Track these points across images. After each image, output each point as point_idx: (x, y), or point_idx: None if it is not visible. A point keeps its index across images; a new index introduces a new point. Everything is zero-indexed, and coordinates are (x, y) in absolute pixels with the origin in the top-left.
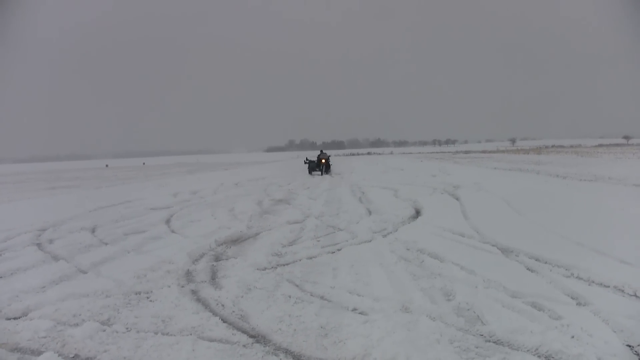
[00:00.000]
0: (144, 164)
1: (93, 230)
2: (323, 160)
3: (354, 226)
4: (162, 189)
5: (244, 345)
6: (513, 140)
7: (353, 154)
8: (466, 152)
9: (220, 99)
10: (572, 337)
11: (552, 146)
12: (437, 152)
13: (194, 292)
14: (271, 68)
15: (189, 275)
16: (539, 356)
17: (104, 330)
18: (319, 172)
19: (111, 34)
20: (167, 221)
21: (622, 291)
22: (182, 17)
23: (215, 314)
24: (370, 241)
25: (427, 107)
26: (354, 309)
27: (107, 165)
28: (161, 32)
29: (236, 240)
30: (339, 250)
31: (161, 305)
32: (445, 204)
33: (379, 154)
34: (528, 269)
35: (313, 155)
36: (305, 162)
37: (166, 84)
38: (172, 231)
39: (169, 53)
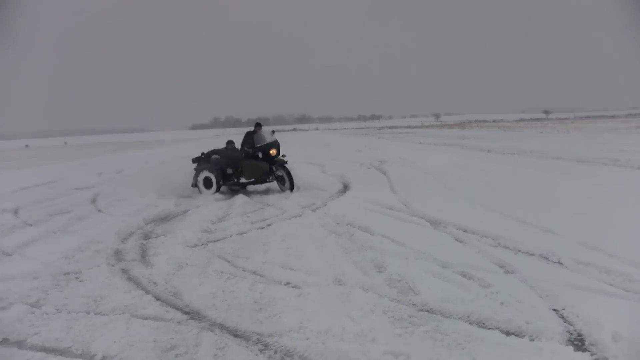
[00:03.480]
0: (65, 143)
1: (16, 212)
2: (273, 152)
3: (282, 202)
4: (86, 168)
5: (178, 322)
6: (437, 116)
7: (278, 131)
8: (391, 127)
9: (142, 75)
10: (501, 303)
11: (476, 121)
12: (362, 128)
13: (124, 271)
14: (193, 43)
15: (118, 255)
16: (470, 323)
17: (33, 313)
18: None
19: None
20: (93, 201)
21: (547, 259)
22: None
23: (147, 291)
24: (300, 216)
25: (352, 82)
26: (287, 283)
27: (27, 146)
28: (81, 5)
29: (165, 218)
30: (269, 225)
31: (91, 285)
32: (373, 178)
33: (305, 130)
34: (457, 239)
35: (237, 136)
36: (195, 162)
37: (85, 61)
38: (99, 210)
39: (88, 27)
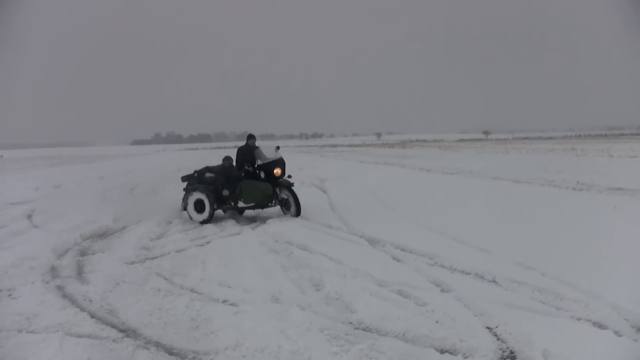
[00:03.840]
0: (1, 156)
1: None
2: (277, 172)
3: (222, 219)
4: (22, 183)
5: (113, 340)
6: (379, 135)
7: (220, 147)
8: (333, 145)
9: (83, 89)
10: (437, 321)
11: (417, 140)
12: (304, 146)
13: (59, 287)
14: (135, 58)
15: (54, 271)
16: (405, 341)
17: None
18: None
19: None
20: (29, 216)
21: (482, 277)
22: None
23: (82, 309)
24: (239, 234)
25: (295, 100)
26: (225, 301)
27: None
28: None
29: (103, 235)
30: (207, 243)
31: (25, 302)
32: (313, 196)
33: None
34: (394, 258)
35: (176, 152)
36: (185, 180)
37: (25, 73)
38: (35, 226)
39: (26, 39)
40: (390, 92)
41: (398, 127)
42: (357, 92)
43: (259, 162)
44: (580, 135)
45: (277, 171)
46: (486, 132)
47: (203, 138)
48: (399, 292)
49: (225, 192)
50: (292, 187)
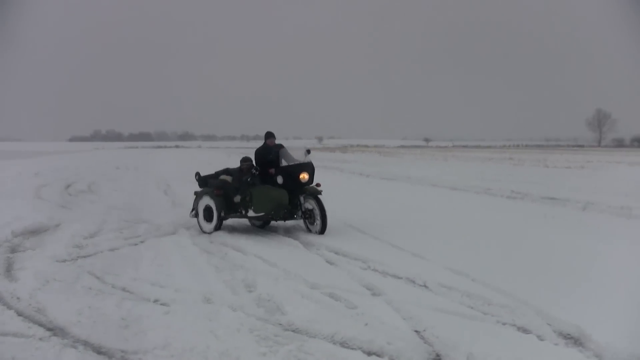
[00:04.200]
0: None
1: None
2: (304, 177)
3: (158, 218)
4: None
5: (40, 339)
6: (320, 139)
7: (160, 147)
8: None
9: (19, 82)
10: (366, 324)
11: (358, 145)
12: (245, 148)
13: None
14: (73, 53)
15: None
16: (334, 343)
17: None
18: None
19: None
20: None
21: (413, 282)
22: None
23: (9, 307)
24: (174, 233)
25: (236, 101)
26: (156, 300)
27: None
28: None
29: (35, 232)
30: (142, 242)
31: None
32: None
33: (187, 147)
34: (328, 261)
35: (117, 150)
36: (201, 182)
37: None
38: None
39: None
40: (333, 96)
41: (340, 131)
42: (300, 95)
43: (283, 163)
44: (518, 145)
45: (304, 176)
46: (427, 139)
47: (144, 137)
48: (330, 295)
49: (237, 199)
50: (320, 197)
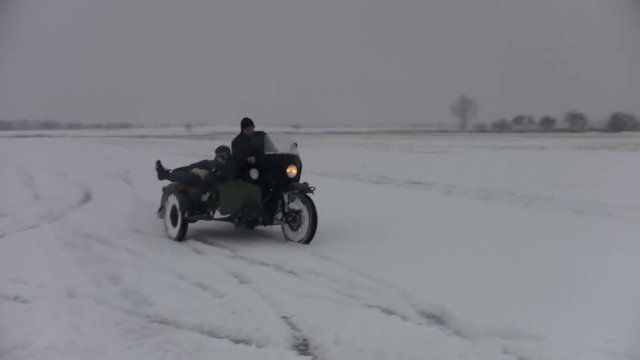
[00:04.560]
0: None
1: None
2: (292, 171)
3: (18, 211)
4: None
5: None
6: (188, 126)
7: (20, 136)
8: (142, 136)
9: None
10: (233, 312)
11: (226, 133)
12: (112, 136)
13: None
14: None
15: None
16: (202, 332)
17: None
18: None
19: None
20: None
21: (281, 269)
22: None
23: None
24: (36, 227)
25: (102, 88)
26: (16, 298)
27: None
28: None
29: None
30: (1, 237)
31: None
32: (117, 188)
33: (50, 136)
34: (195, 251)
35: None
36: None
37: None
38: None
39: None
40: (202, 82)
41: (208, 118)
42: (168, 81)
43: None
44: (386, 131)
45: (292, 170)
46: (296, 126)
47: (3, 126)
48: (198, 285)
49: (204, 197)
50: (310, 195)
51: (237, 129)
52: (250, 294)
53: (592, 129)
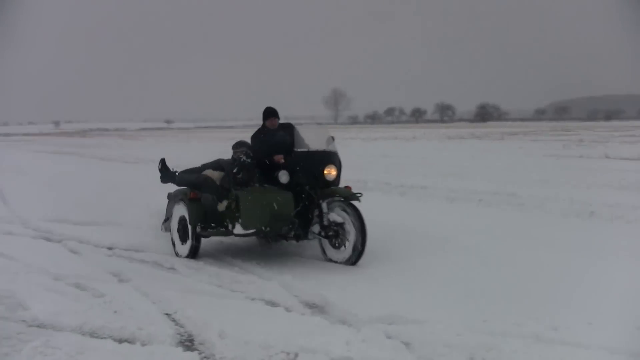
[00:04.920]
0: None
1: None
2: (331, 172)
3: None
4: None
5: None
6: (57, 123)
7: None
8: (6, 134)
9: None
10: (115, 312)
11: (97, 129)
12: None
13: None
14: None
15: None
16: (82, 334)
17: None
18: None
19: None
20: None
21: (161, 265)
22: None
23: None
24: None
25: None
26: None
27: None
28: None
29: None
30: None
31: None
32: None
33: None
34: (72, 251)
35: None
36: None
37: None
38: None
39: None
40: (69, 78)
41: (78, 115)
42: (35, 77)
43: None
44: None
45: (331, 171)
46: (168, 121)
47: None
48: (76, 285)
49: (222, 206)
50: (355, 203)
51: (108, 125)
52: (131, 292)
53: (461, 119)
